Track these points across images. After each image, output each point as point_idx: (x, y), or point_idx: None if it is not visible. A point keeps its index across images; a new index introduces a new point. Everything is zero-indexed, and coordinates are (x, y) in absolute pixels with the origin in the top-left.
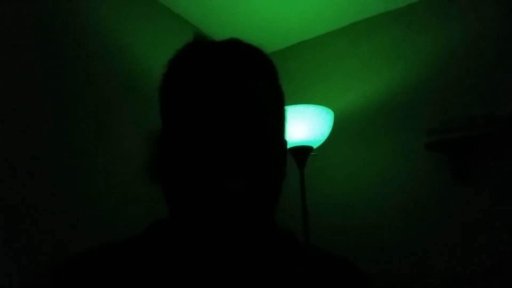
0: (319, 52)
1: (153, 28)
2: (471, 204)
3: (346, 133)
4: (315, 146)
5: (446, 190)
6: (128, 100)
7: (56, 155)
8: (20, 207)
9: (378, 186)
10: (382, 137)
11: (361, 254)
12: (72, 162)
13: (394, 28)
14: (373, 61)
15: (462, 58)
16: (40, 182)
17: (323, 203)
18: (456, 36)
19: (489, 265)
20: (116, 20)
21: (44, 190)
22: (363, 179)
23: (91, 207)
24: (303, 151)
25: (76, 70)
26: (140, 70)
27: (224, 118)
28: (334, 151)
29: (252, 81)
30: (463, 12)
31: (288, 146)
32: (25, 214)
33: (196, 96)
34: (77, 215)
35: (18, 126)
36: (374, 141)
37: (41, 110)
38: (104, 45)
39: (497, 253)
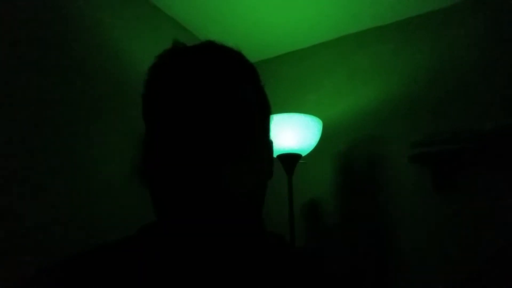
0: (310, 62)
1: (147, 31)
2: (451, 216)
3: (333, 142)
4: (303, 154)
5: (428, 202)
6: (122, 101)
7: (49, 155)
8: (14, 208)
9: (362, 196)
10: (368, 147)
11: (345, 261)
12: (65, 162)
13: (384, 42)
14: (362, 74)
15: (447, 73)
16: (33, 183)
17: (310, 210)
18: (443, 51)
19: (468, 276)
20: (110, 23)
21: (37, 190)
22: (349, 188)
23: (85, 207)
24: (291, 159)
25: (70, 72)
26: (133, 72)
27: (210, 117)
28: (321, 160)
29: (236, 82)
30: (450, 29)
31: (277, 153)
32: (19, 215)
33: (182, 97)
34: (71, 216)
35: (11, 127)
36: (359, 151)
37: (34, 111)
38: (97, 47)
39: (476, 264)
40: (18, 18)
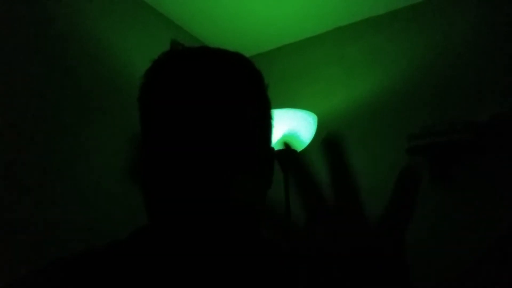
0: (303, 55)
1: (138, 29)
2: (449, 207)
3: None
4: (298, 149)
5: (426, 194)
6: (115, 101)
7: (42, 157)
8: (5, 209)
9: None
10: (364, 141)
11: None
12: (58, 163)
13: (378, 34)
14: (357, 66)
15: (443, 64)
16: (26, 184)
17: None
18: (438, 42)
19: (466, 267)
20: (101, 23)
21: (30, 192)
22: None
23: (77, 208)
24: (287, 155)
25: (62, 72)
26: (125, 71)
27: (210, 122)
28: (317, 155)
29: (237, 88)
30: (445, 19)
31: None
32: (12, 216)
33: (180, 103)
34: (63, 217)
35: (6, 130)
36: (356, 145)
37: (26, 113)
38: (89, 46)
39: (474, 255)
40: (6, 23)
